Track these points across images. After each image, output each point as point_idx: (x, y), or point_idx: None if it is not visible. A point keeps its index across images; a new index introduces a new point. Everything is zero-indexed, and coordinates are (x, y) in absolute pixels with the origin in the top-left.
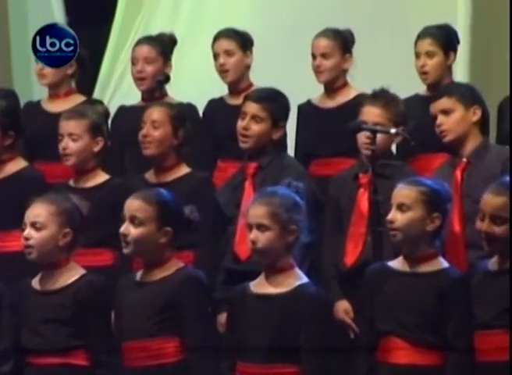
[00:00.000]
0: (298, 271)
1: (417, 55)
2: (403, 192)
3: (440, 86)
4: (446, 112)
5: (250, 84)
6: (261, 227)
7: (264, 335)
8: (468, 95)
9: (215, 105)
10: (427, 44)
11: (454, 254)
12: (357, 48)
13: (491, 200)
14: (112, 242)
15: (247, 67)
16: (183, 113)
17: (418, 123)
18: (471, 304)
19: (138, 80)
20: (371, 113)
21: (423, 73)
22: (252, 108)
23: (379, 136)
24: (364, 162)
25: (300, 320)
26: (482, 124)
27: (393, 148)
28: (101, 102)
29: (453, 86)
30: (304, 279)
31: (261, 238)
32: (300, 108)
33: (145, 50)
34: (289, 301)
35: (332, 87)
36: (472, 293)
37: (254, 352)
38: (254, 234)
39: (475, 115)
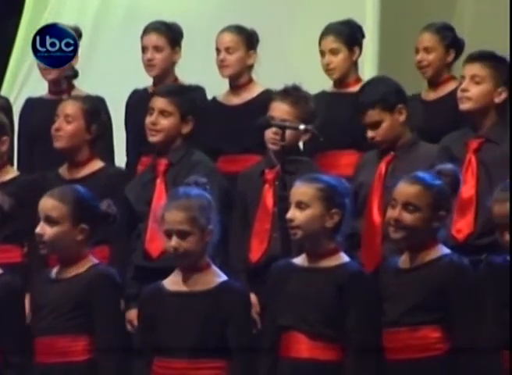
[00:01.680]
0: (216, 268)
1: (322, 53)
2: (300, 190)
3: (346, 81)
4: (375, 124)
5: (176, 79)
6: (181, 233)
7: (190, 331)
8: (394, 94)
9: (138, 95)
10: (330, 42)
11: (370, 245)
12: (263, 44)
13: (404, 188)
14: (20, 239)
15: (174, 63)
16: (97, 108)
17: (325, 119)
18: (371, 298)
19: (43, 71)
20: (280, 110)
21: (329, 70)
22: (159, 102)
23: (288, 132)
24: (271, 158)
25: (226, 316)
26: (409, 120)
27: (300, 144)
28: (2, 97)
29: (377, 91)
30: (223, 276)
31: (184, 244)
32: (205, 104)
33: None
34: (214, 298)
35: (237, 83)
36: (382, 290)
37: (180, 348)
38: (175, 241)
39: (402, 115)
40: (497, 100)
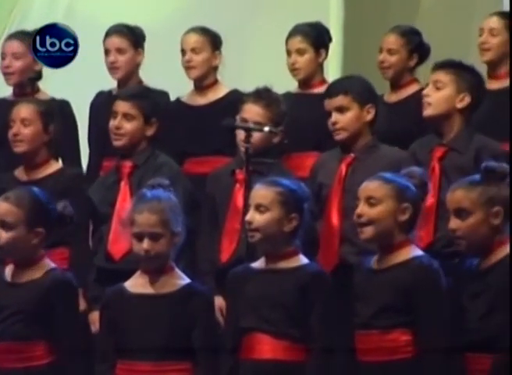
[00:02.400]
0: (179, 271)
1: (289, 53)
2: (260, 193)
3: (311, 83)
4: (341, 109)
5: (140, 81)
6: (154, 236)
7: (156, 334)
8: (364, 94)
9: (102, 98)
10: (297, 42)
11: (328, 247)
12: (229, 45)
13: (365, 185)
14: None
15: (138, 65)
16: (51, 109)
17: (290, 120)
18: (333, 298)
19: (5, 74)
20: (253, 112)
21: (294, 70)
22: (122, 106)
23: (256, 134)
24: (242, 158)
25: (191, 318)
26: (373, 122)
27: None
28: None
29: (350, 83)
30: (187, 279)
31: (156, 247)
32: (169, 106)
33: (14, 45)
34: (179, 301)
35: (202, 84)
36: (355, 289)
37: (145, 351)
38: (148, 244)
39: (369, 114)
40: (459, 105)
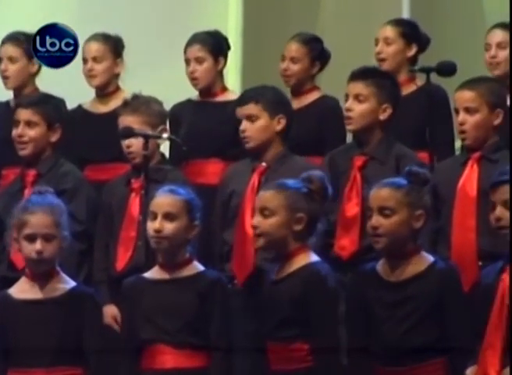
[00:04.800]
0: (64, 275)
1: (187, 62)
2: (166, 201)
3: (212, 91)
4: (251, 118)
5: (36, 89)
6: (47, 237)
7: (46, 339)
8: (276, 104)
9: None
10: (196, 50)
11: (242, 255)
12: (129, 53)
13: (262, 194)
14: None
15: (32, 73)
16: None
17: (191, 128)
18: (229, 304)
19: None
20: (124, 121)
21: (193, 79)
22: (23, 114)
23: (150, 141)
24: (136, 167)
25: (79, 322)
26: (285, 132)
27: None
28: None
29: (262, 92)
30: (72, 282)
31: (48, 248)
32: (71, 113)
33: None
34: (66, 305)
35: (104, 91)
36: (260, 301)
37: (36, 357)
38: (41, 244)
39: (280, 124)
40: (382, 117)
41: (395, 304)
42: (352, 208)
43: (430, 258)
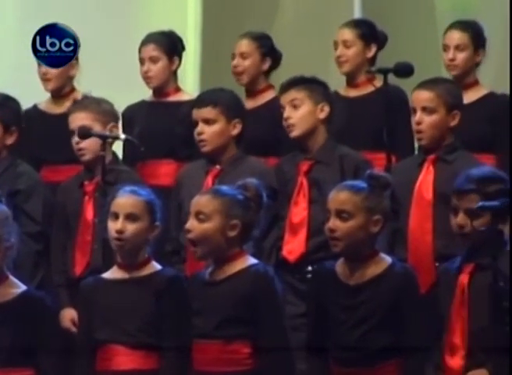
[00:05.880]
0: (14, 279)
1: (142, 61)
2: (129, 202)
3: (165, 91)
4: (207, 121)
5: (73, 89)
6: None
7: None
8: (233, 108)
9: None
10: (150, 50)
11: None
12: (84, 52)
13: (198, 198)
14: None
15: (72, 77)
16: None
17: (144, 128)
18: (186, 302)
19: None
20: (75, 119)
21: (147, 78)
22: None
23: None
24: (88, 168)
25: (31, 325)
26: (239, 136)
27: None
28: None
29: (220, 96)
30: (22, 286)
31: None
32: (26, 113)
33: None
34: (18, 308)
35: (59, 93)
36: (191, 303)
37: None
38: None
39: (235, 128)
40: (321, 116)
41: (353, 307)
42: (299, 213)
43: (388, 260)
